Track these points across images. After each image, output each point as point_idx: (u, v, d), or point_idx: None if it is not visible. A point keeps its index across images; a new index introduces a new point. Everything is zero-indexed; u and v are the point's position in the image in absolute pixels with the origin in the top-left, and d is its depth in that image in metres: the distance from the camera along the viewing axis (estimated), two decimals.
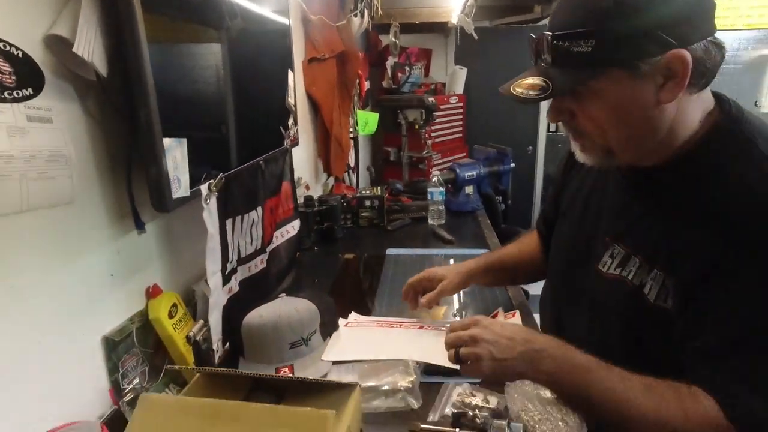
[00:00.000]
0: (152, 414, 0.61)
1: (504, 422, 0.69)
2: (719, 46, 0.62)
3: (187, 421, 0.60)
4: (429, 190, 1.78)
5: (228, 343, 0.97)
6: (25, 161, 0.59)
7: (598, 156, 0.70)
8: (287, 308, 0.93)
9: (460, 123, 3.99)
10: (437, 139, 3.72)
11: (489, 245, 1.57)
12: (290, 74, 1.38)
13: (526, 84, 0.66)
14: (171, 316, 0.85)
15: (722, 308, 0.61)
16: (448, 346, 0.76)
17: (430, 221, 1.80)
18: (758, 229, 0.58)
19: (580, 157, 0.73)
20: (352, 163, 2.97)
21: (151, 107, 0.68)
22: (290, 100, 1.38)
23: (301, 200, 1.59)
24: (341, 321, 1.06)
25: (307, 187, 1.91)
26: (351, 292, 1.34)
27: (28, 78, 0.60)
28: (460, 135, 3.99)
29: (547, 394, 0.72)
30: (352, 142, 2.91)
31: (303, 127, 1.91)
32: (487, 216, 1.91)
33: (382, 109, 3.56)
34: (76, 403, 0.69)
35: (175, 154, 0.74)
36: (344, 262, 1.48)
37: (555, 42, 0.62)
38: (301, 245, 1.52)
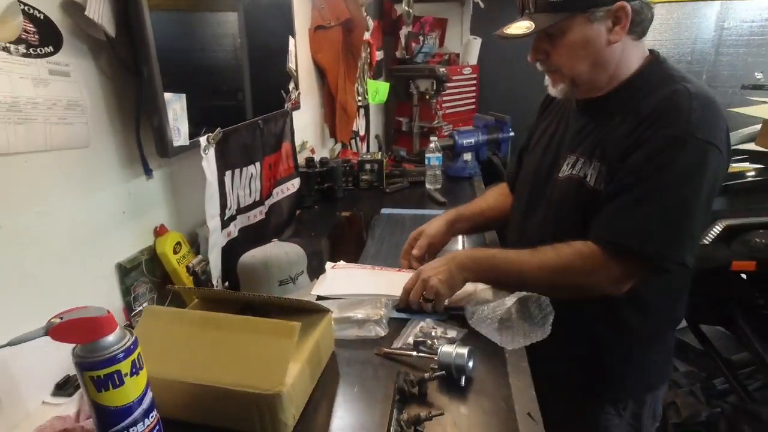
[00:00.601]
0: (154, 321, 0.74)
1: (452, 346, 0.80)
2: (649, 6, 0.88)
3: (181, 327, 0.73)
4: (426, 155, 1.86)
5: (227, 281, 1.10)
6: (47, 108, 0.71)
7: (565, 86, 0.92)
8: (277, 250, 1.05)
9: (473, 94, 4.00)
10: (449, 110, 3.75)
11: None
12: (291, 40, 1.46)
13: (516, 26, 0.89)
14: (175, 252, 0.98)
15: (621, 174, 0.84)
16: (414, 296, 0.93)
17: (427, 185, 1.89)
18: (658, 117, 0.82)
19: (552, 91, 0.95)
20: (362, 131, 3.06)
21: (153, 64, 0.78)
22: (291, 65, 1.47)
23: (301, 162, 1.70)
24: (328, 264, 1.15)
25: (313, 151, 2.01)
26: (343, 243, 1.45)
27: (49, 37, 0.71)
28: (473, 106, 4.00)
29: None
30: (362, 110, 2.99)
31: (309, 92, 2.01)
32: (491, 181, 1.98)
33: (395, 79, 3.60)
34: None
35: (175, 107, 0.85)
36: (340, 219, 1.59)
37: None
38: (302, 203, 1.64)
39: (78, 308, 0.54)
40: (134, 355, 0.55)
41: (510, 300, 0.87)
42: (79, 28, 0.76)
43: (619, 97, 0.90)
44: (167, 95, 0.82)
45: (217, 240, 1.04)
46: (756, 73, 4.17)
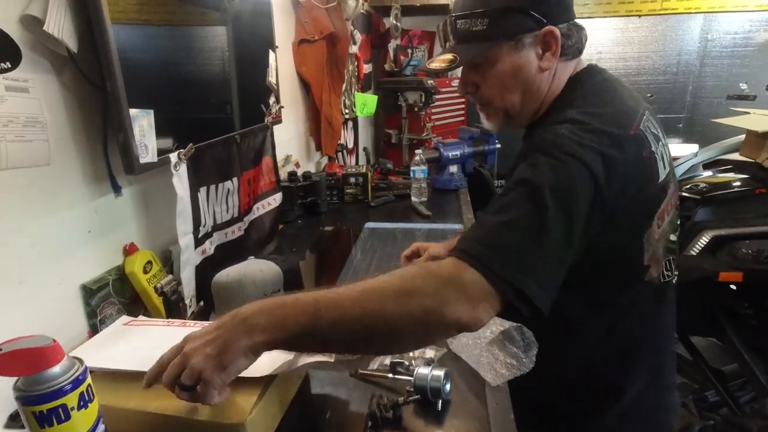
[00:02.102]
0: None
1: (428, 368, 0.77)
2: (580, 27, 0.81)
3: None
4: (411, 168, 1.85)
5: (202, 301, 1.06)
6: (3, 125, 0.68)
7: (499, 119, 0.86)
8: (253, 268, 1.02)
9: (462, 106, 4.01)
10: (438, 122, 3.76)
11: (464, 221, 1.64)
12: (271, 54, 1.45)
13: (440, 59, 0.82)
14: (146, 272, 0.95)
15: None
16: (166, 379, 0.58)
17: (412, 198, 1.87)
18: (536, 144, 0.71)
19: (486, 124, 0.89)
20: (350, 144, 3.05)
21: (117, 79, 0.76)
22: (271, 79, 1.45)
23: (284, 176, 1.68)
24: (121, 320, 0.85)
25: (297, 165, 1.99)
26: (326, 258, 1.43)
27: (5, 53, 0.69)
28: (462, 118, 4.01)
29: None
30: (350, 123, 2.98)
31: (293, 106, 1.99)
32: (479, 193, 1.97)
33: (384, 92, 3.62)
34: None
35: (142, 123, 0.82)
36: (323, 233, 1.57)
37: (458, 23, 0.79)
38: (284, 217, 1.61)
39: (22, 338, 0.51)
40: (83, 387, 0.52)
41: (493, 328, 0.85)
42: (40, 43, 0.74)
43: (536, 124, 0.85)
44: (133, 111, 0.80)
45: (189, 258, 1.01)
46: (741, 84, 4.25)
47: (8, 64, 0.69)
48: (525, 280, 0.61)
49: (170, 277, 0.94)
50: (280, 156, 1.82)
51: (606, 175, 0.66)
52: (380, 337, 0.61)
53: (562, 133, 0.69)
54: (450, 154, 1.99)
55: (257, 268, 1.02)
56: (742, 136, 2.06)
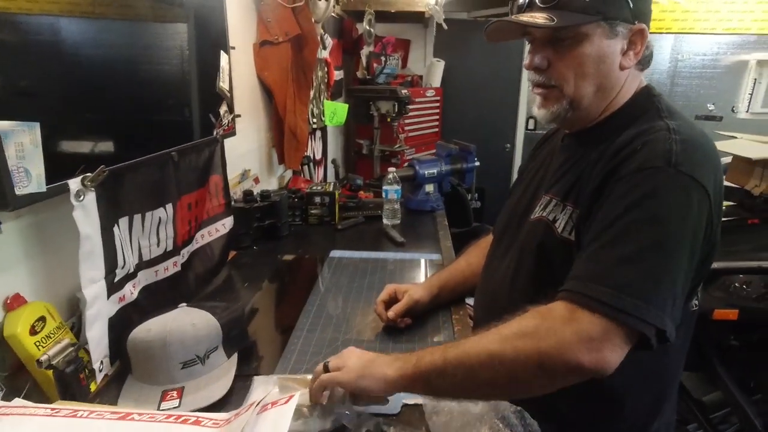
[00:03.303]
0: None
1: None
2: (652, 44, 0.78)
3: None
4: (384, 187, 1.66)
5: (118, 360, 0.84)
6: None
7: (559, 108, 0.77)
8: (182, 321, 0.81)
9: (437, 117, 3.88)
10: (411, 133, 3.61)
11: (441, 248, 1.46)
12: (223, 56, 1.24)
13: (528, 16, 0.73)
14: (34, 332, 0.72)
15: (593, 221, 0.69)
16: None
17: (384, 221, 1.69)
18: (632, 151, 0.68)
19: (540, 113, 0.80)
20: (318, 155, 2.85)
21: None
22: (223, 84, 1.24)
23: (238, 195, 1.46)
24: None
25: (257, 180, 1.78)
26: (283, 293, 1.22)
27: None
28: (436, 130, 3.88)
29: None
30: (318, 133, 2.78)
31: (253, 114, 1.78)
32: (457, 213, 1.80)
33: (355, 100, 3.44)
34: None
35: (21, 141, 0.60)
36: (281, 263, 1.36)
37: None
38: (238, 242, 1.40)
39: None
40: None
41: (478, 409, 0.67)
42: None
43: (603, 130, 0.78)
44: (4, 124, 0.58)
45: (100, 311, 0.79)
46: (708, 105, 4.29)
47: None
48: (662, 316, 0.60)
49: (65, 342, 0.71)
50: (235, 171, 1.60)
51: (714, 197, 0.65)
52: (501, 379, 0.63)
53: (675, 149, 0.65)
54: (426, 172, 1.82)
55: (188, 322, 0.81)
56: (728, 159, 1.98)
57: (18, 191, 0.61)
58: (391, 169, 1.70)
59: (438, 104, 3.86)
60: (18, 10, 0.65)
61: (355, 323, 1.02)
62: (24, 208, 0.71)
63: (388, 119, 3.29)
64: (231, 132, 1.31)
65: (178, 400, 0.75)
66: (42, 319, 0.74)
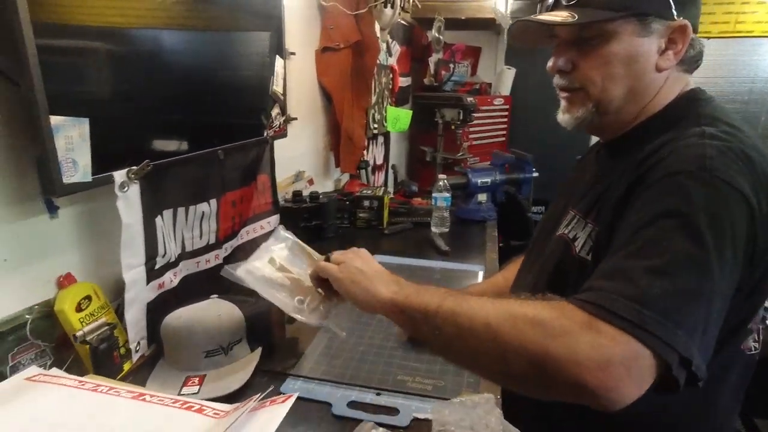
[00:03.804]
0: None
1: None
2: (702, 44, 0.70)
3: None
4: (433, 194, 1.64)
5: (155, 344, 0.90)
6: None
7: (585, 112, 0.71)
8: (209, 312, 0.85)
9: (504, 126, 3.77)
10: (476, 141, 3.54)
11: (486, 260, 1.41)
12: (278, 61, 1.29)
13: (550, 15, 0.68)
14: (80, 309, 0.79)
15: (614, 241, 0.60)
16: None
17: (432, 228, 1.66)
18: (661, 157, 0.60)
19: (564, 118, 0.74)
20: (379, 160, 2.88)
21: (34, 78, 0.61)
22: (276, 88, 1.29)
23: (289, 195, 1.51)
24: (29, 371, 0.67)
25: (311, 182, 1.83)
26: None
27: None
28: (503, 139, 3.76)
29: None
30: (380, 138, 2.81)
31: (311, 117, 1.84)
32: (515, 225, 1.74)
33: (420, 107, 3.44)
34: None
35: (71, 134, 0.67)
36: None
37: None
38: None
39: None
40: None
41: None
42: None
43: (634, 138, 0.71)
44: (56, 119, 0.64)
45: (138, 295, 0.84)
46: None
47: None
48: (690, 344, 0.49)
49: (102, 320, 0.78)
50: (289, 172, 1.66)
51: (760, 210, 0.56)
52: (486, 357, 0.55)
53: (709, 153, 0.57)
54: (479, 180, 1.77)
55: (215, 313, 0.85)
56: None
57: (65, 180, 0.67)
58: (442, 176, 1.67)
59: (506, 113, 3.75)
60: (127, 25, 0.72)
61: (382, 328, 1.01)
62: (78, 196, 0.79)
63: (452, 127, 3.25)
64: (282, 134, 1.36)
65: (198, 386, 0.79)
66: (88, 297, 0.81)
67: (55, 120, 0.64)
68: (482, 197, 1.79)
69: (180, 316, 0.84)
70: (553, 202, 0.92)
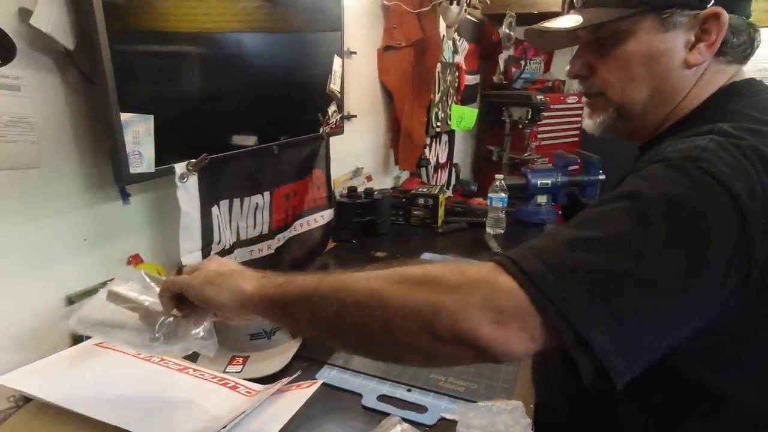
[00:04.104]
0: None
1: None
2: (755, 29, 0.61)
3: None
4: (489, 195, 1.61)
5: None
6: None
7: (606, 117, 0.66)
8: None
9: (577, 126, 3.57)
10: (545, 142, 3.40)
11: None
12: (336, 60, 1.34)
13: (560, 20, 0.66)
14: None
15: None
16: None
17: (487, 229, 1.63)
18: (658, 154, 0.52)
19: (587, 124, 0.71)
20: (442, 158, 2.86)
21: (107, 78, 0.69)
22: (333, 86, 1.34)
23: (345, 191, 1.56)
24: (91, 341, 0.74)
25: (369, 178, 1.87)
26: None
27: None
28: (576, 139, 3.57)
29: None
30: (444, 137, 2.80)
31: (371, 115, 1.88)
32: None
33: (488, 105, 3.37)
34: (36, 343, 0.75)
35: (138, 129, 0.75)
36: (372, 259, 1.41)
37: None
38: (337, 235, 1.49)
39: None
40: None
41: None
42: (41, 39, 0.69)
43: (658, 142, 0.63)
44: (126, 116, 0.72)
45: None
46: None
47: None
48: (592, 326, 0.43)
49: None
50: (348, 168, 1.71)
51: (763, 216, 0.46)
52: (372, 327, 0.48)
53: (703, 144, 0.50)
54: (539, 181, 1.70)
55: None
56: None
57: (132, 170, 0.75)
58: (499, 176, 1.63)
59: (580, 112, 3.55)
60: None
61: None
62: (148, 184, 0.88)
63: (520, 126, 3.15)
64: (338, 130, 1.41)
65: (241, 366, 0.85)
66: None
67: (125, 116, 0.72)
68: (542, 199, 1.73)
69: None
70: None
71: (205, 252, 0.93)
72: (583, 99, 0.71)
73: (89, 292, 0.82)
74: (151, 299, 0.62)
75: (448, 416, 0.75)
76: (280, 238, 1.19)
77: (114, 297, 0.62)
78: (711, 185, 0.46)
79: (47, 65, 0.72)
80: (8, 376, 0.64)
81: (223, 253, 1.00)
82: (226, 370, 0.84)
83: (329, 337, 0.55)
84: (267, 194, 1.09)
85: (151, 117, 0.76)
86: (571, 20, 0.63)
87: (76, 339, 0.81)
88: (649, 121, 0.66)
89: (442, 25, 2.18)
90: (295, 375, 0.66)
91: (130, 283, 0.64)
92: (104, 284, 0.84)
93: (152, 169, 0.79)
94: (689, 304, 0.45)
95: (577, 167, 1.77)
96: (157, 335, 0.59)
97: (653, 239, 0.44)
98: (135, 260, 0.89)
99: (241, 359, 0.86)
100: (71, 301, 0.80)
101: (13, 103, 0.67)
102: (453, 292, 0.46)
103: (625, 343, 0.44)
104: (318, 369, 0.87)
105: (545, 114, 3.18)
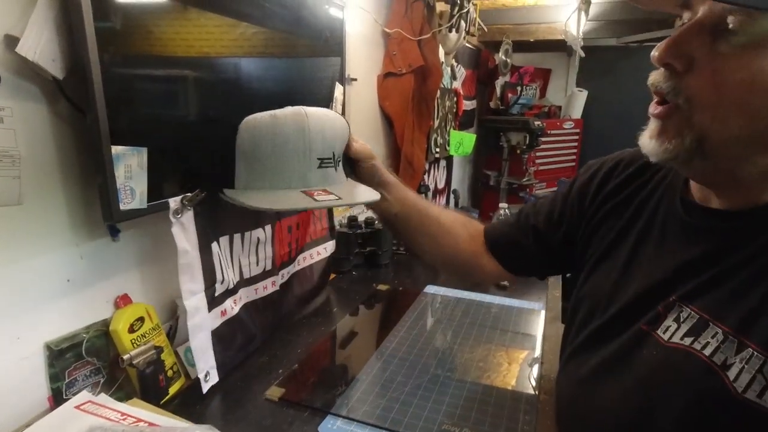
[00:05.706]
0: None
1: None
2: None
3: None
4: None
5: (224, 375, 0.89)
6: None
7: (678, 144, 0.48)
8: (312, 110, 0.68)
9: (574, 151, 3.59)
10: (543, 167, 3.40)
11: (547, 298, 1.31)
12: (338, 87, 1.30)
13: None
14: (132, 330, 0.81)
15: None
16: None
17: None
18: None
19: (648, 144, 0.51)
20: (440, 184, 2.83)
21: (98, 110, 0.64)
22: None
23: (344, 220, 1.51)
24: (80, 397, 0.69)
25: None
26: (368, 324, 1.20)
27: None
28: (573, 164, 3.58)
29: None
30: (443, 162, 2.77)
31: (372, 142, 1.82)
32: None
33: (485, 130, 3.37)
34: (5, 405, 0.68)
35: (130, 163, 0.69)
36: (373, 293, 1.35)
37: None
38: (338, 266, 1.43)
39: None
40: None
41: None
42: (28, 67, 0.64)
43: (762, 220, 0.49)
44: (117, 149, 0.67)
45: (202, 323, 0.84)
46: None
47: None
48: None
49: (149, 344, 0.79)
50: None
51: None
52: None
53: None
54: None
55: (321, 112, 0.72)
56: None
57: (122, 207, 0.70)
58: (503, 204, 1.59)
59: (577, 137, 3.57)
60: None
61: (430, 367, 0.95)
62: (139, 220, 0.82)
63: (518, 151, 3.15)
64: None
65: (332, 195, 0.63)
66: (141, 319, 0.83)
67: (116, 149, 0.67)
68: None
69: (276, 115, 0.67)
70: (615, 254, 0.65)
71: (209, 293, 0.86)
72: (652, 106, 0.51)
73: (71, 338, 0.75)
74: None
75: None
76: (284, 274, 1.12)
77: None
78: None
79: (34, 95, 0.67)
80: None
81: (229, 293, 0.93)
82: (316, 198, 0.66)
83: None
84: (268, 227, 1.03)
85: (145, 150, 0.71)
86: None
87: (55, 396, 0.73)
88: (745, 172, 0.48)
89: (441, 51, 2.17)
90: None
91: None
92: (87, 329, 0.77)
93: (144, 205, 0.73)
94: None
95: None
96: None
97: None
98: (123, 301, 0.83)
99: (322, 191, 0.69)
100: (50, 348, 0.73)
101: None
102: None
103: None
104: (321, 419, 0.80)
105: (543, 139, 3.19)
